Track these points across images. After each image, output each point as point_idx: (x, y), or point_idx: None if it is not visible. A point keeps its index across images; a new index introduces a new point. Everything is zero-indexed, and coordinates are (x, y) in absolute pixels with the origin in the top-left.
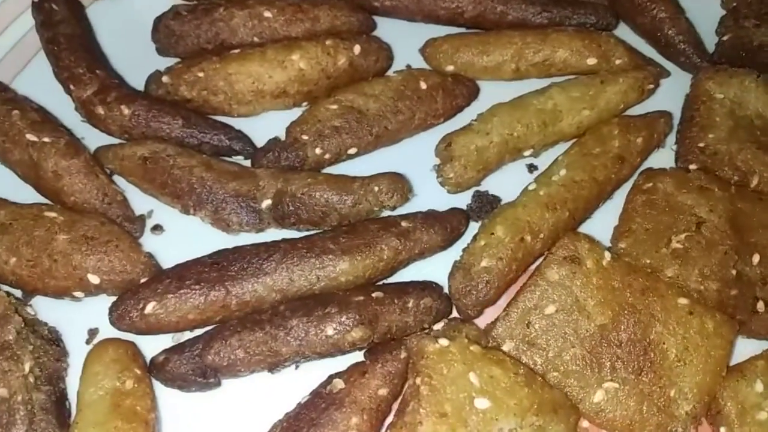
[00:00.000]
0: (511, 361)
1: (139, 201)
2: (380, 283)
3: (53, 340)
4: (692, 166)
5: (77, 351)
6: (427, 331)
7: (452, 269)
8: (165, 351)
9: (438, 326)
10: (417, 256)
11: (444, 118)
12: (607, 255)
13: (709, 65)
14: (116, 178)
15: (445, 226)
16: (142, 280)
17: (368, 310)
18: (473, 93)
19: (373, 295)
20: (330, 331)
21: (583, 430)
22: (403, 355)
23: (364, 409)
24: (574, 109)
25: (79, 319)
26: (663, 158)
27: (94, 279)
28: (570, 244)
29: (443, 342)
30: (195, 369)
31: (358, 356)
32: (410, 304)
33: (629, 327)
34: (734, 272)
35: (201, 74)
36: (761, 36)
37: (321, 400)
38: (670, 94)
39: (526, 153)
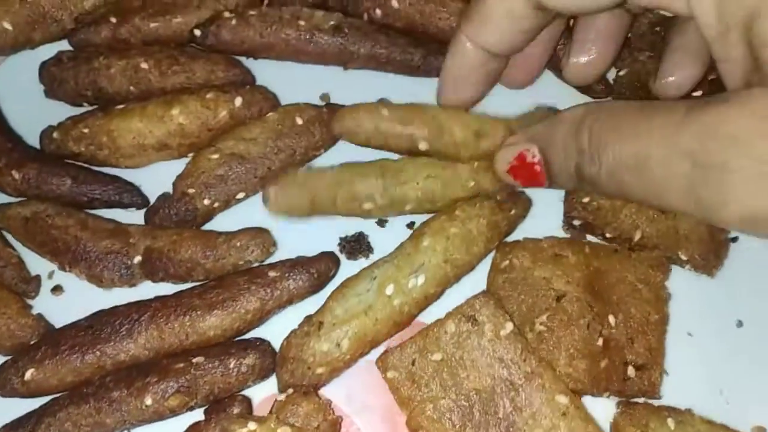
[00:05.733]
0: None
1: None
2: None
3: None
4: (575, 222)
5: None
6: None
7: (286, 349)
8: (2, 428)
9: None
10: (286, 304)
11: (324, 148)
12: (509, 326)
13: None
14: None
15: (312, 273)
16: (33, 341)
17: (186, 377)
18: None
19: (194, 360)
20: (149, 401)
21: None
22: (236, 410)
23: None
24: (419, 174)
25: None
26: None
27: None
28: (476, 305)
29: (251, 426)
30: None
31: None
32: (231, 365)
33: (501, 402)
34: (600, 342)
35: (86, 130)
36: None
37: None
38: None
39: (366, 206)
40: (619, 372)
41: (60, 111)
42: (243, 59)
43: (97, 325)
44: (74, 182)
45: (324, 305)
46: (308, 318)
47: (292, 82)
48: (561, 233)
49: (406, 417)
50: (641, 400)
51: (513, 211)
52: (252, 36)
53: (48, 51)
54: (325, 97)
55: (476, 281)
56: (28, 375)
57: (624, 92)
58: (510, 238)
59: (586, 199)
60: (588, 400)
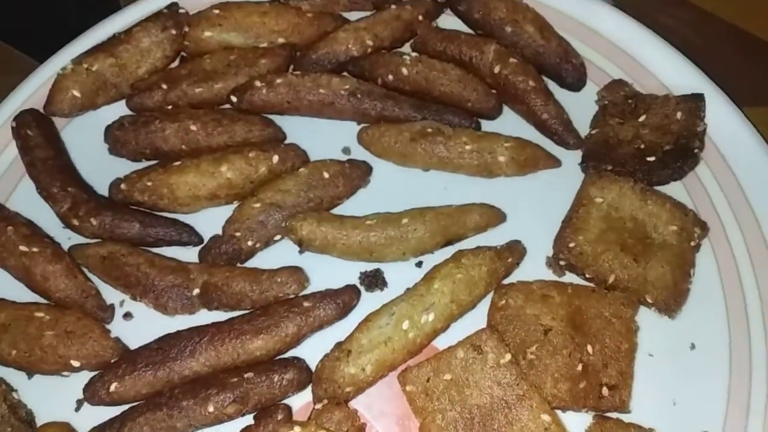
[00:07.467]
0: None
1: (114, 292)
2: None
3: (28, 422)
4: (561, 262)
5: (67, 419)
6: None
7: (320, 371)
8: (92, 429)
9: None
10: (317, 329)
11: (345, 198)
12: (507, 357)
13: (595, 172)
14: None
15: (338, 303)
16: (113, 360)
17: (240, 389)
18: (367, 173)
19: (245, 375)
20: (211, 409)
21: None
22: (279, 416)
23: None
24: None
25: (68, 392)
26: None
27: (75, 363)
28: (482, 337)
29: (296, 429)
30: None
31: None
32: (275, 379)
33: (497, 417)
34: (580, 367)
35: (149, 183)
36: (624, 132)
37: None
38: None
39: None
40: (595, 392)
41: (121, 165)
42: (274, 116)
43: (166, 347)
44: (142, 226)
45: (351, 335)
46: (338, 345)
47: (318, 135)
48: (546, 275)
49: (420, 424)
50: (614, 414)
51: (510, 260)
52: (280, 101)
53: (107, 111)
54: (347, 150)
55: (476, 316)
56: (112, 387)
57: (592, 148)
58: (505, 281)
59: (572, 245)
60: (569, 415)
